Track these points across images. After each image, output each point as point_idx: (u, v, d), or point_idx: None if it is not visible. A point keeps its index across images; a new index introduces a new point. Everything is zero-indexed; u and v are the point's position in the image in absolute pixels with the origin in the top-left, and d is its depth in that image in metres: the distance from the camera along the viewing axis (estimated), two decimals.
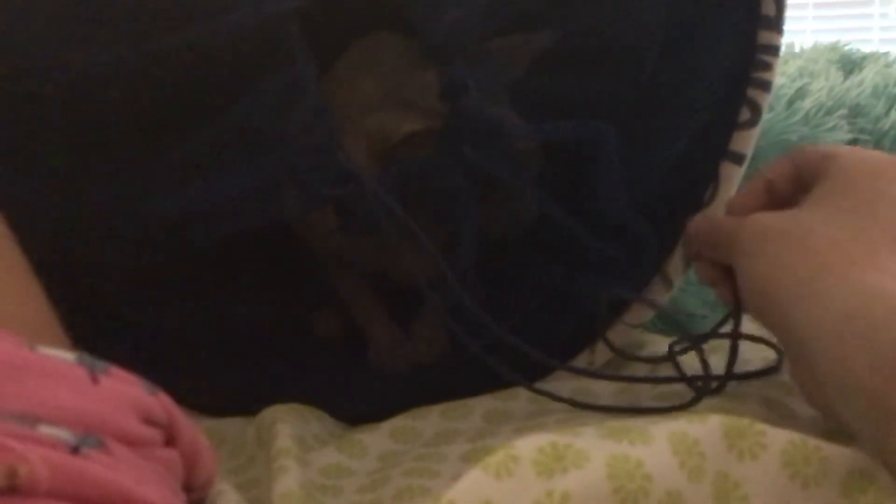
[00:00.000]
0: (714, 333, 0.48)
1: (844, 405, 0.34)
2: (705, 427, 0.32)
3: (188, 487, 0.34)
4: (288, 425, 0.46)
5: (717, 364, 0.46)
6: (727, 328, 0.47)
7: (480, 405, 0.51)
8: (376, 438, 0.47)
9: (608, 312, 0.52)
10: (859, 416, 0.33)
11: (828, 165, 0.41)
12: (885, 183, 0.38)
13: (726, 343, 0.47)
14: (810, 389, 0.39)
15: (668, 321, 0.59)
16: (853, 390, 0.33)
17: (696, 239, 0.47)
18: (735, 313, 0.45)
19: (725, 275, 0.45)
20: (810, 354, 0.36)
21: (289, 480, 0.40)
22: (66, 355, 0.28)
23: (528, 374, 0.50)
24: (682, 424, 0.32)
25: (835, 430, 0.36)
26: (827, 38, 0.82)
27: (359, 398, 0.53)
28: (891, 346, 0.32)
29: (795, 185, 0.44)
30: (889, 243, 0.36)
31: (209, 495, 0.36)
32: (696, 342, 0.47)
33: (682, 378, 0.47)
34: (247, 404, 0.50)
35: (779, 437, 0.32)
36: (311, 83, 0.48)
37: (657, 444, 0.31)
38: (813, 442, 0.32)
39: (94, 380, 0.28)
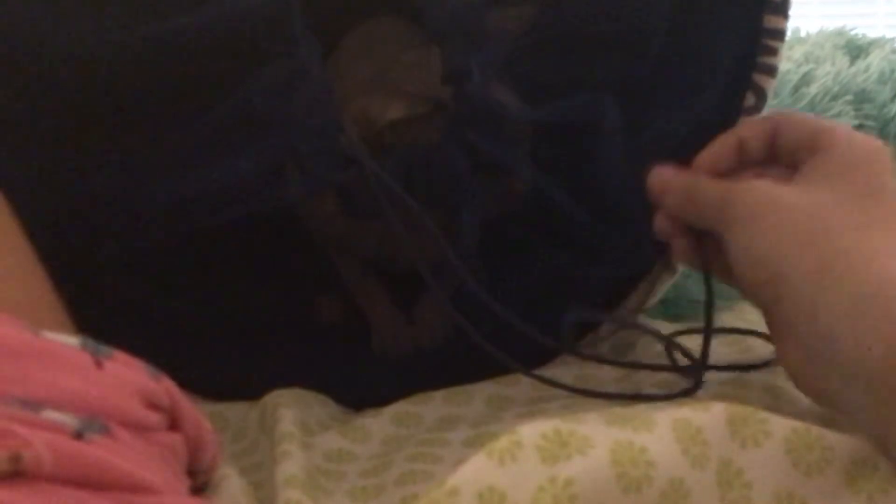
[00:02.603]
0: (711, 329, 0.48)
1: (851, 390, 0.34)
2: (709, 414, 0.32)
3: (192, 471, 0.34)
4: (291, 410, 0.46)
5: (720, 350, 0.46)
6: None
7: (483, 390, 0.51)
8: (379, 423, 0.48)
9: (610, 298, 0.52)
10: (867, 401, 0.33)
11: (823, 142, 0.40)
12: (880, 170, 0.38)
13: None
14: (805, 372, 0.38)
15: (671, 306, 0.59)
16: (865, 376, 0.32)
17: (664, 195, 0.44)
18: (707, 282, 0.44)
19: (691, 236, 0.44)
20: (818, 336, 0.35)
21: (292, 465, 0.40)
22: (71, 340, 0.28)
23: (531, 360, 0.50)
24: (685, 412, 0.32)
25: (838, 419, 0.36)
26: (833, 23, 0.82)
27: (361, 383, 0.53)
28: None
29: (770, 150, 0.43)
30: None
31: (213, 479, 0.37)
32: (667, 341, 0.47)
33: (678, 368, 0.47)
34: (250, 389, 0.50)
35: (782, 425, 0.32)
36: (314, 67, 0.48)
37: (660, 431, 0.31)
38: (816, 430, 0.32)
39: (98, 364, 0.28)
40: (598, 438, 0.31)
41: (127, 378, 0.29)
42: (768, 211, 0.38)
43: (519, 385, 0.51)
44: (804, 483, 0.31)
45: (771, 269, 0.38)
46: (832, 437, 0.32)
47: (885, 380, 0.31)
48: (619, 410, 0.35)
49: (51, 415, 0.26)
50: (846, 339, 0.33)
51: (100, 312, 0.47)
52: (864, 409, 0.33)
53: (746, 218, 0.39)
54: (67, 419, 0.26)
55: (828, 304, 0.35)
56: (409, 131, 0.49)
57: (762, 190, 0.39)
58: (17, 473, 0.24)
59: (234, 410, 0.50)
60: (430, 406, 0.50)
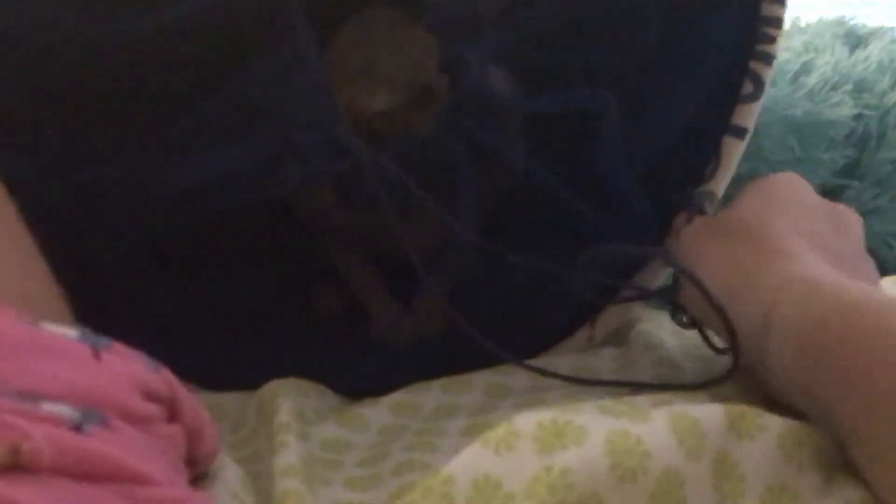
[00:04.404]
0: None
1: (789, 398, 0.35)
2: (706, 408, 0.33)
3: (191, 462, 0.34)
4: (288, 400, 0.46)
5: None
6: None
7: (480, 379, 0.51)
8: (376, 413, 0.48)
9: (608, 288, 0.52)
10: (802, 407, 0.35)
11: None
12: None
13: None
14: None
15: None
16: (788, 383, 0.35)
17: None
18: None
19: None
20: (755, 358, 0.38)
21: (290, 455, 0.40)
22: (69, 331, 0.29)
23: (528, 349, 0.51)
24: (682, 406, 0.33)
25: None
26: (833, 12, 0.81)
27: (360, 373, 0.53)
28: (809, 335, 0.34)
29: None
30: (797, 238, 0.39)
31: (211, 469, 0.37)
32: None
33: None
34: (248, 379, 0.50)
35: (777, 421, 0.32)
36: (311, 57, 0.48)
37: (657, 422, 0.32)
38: (810, 428, 0.32)
39: (97, 356, 0.28)
40: (593, 428, 0.31)
41: (125, 369, 0.29)
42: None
43: (517, 374, 0.51)
44: (797, 477, 0.31)
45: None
46: (825, 435, 0.32)
47: (800, 386, 0.34)
48: (615, 401, 0.35)
49: (50, 407, 0.26)
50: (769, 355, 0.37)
51: (98, 303, 0.47)
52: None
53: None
54: (66, 411, 0.26)
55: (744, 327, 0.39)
56: (397, 119, 0.49)
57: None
58: (17, 466, 0.24)
59: (232, 400, 0.50)
60: (428, 395, 0.50)
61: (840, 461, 0.32)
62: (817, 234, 0.40)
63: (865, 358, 0.31)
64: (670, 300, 0.46)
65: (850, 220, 0.43)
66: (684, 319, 0.46)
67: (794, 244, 0.38)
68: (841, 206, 0.44)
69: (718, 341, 0.45)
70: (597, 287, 0.47)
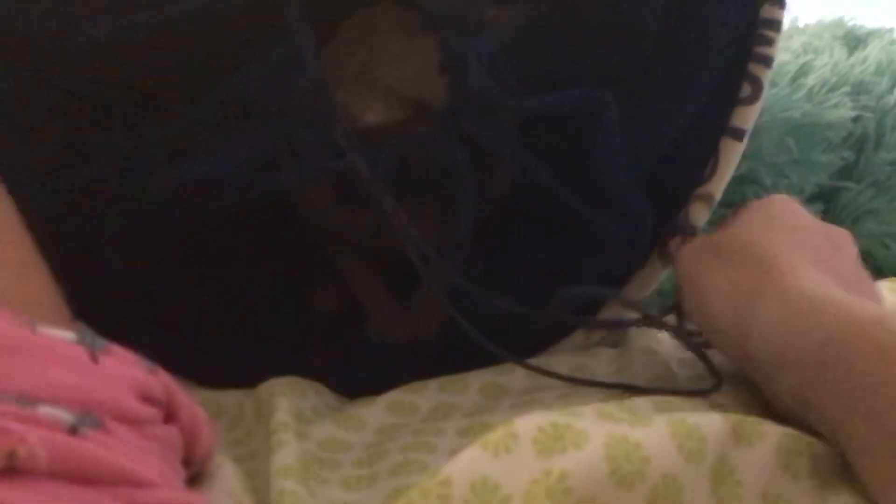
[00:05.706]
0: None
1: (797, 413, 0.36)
2: (707, 415, 0.33)
3: (188, 462, 0.34)
4: (286, 399, 0.46)
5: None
6: None
7: (478, 379, 0.51)
8: (374, 412, 0.48)
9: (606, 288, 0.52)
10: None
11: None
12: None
13: None
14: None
15: (667, 296, 0.59)
16: (795, 399, 0.35)
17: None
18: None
19: None
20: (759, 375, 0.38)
21: (287, 454, 0.40)
22: (66, 335, 0.28)
23: (527, 348, 0.51)
24: (682, 412, 0.33)
25: None
26: (832, 13, 0.81)
27: (357, 371, 0.53)
28: (817, 353, 0.34)
29: None
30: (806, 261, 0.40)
31: (208, 469, 0.37)
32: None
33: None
34: (246, 377, 0.50)
35: (775, 430, 0.32)
36: (310, 56, 0.48)
37: (657, 427, 0.32)
38: (807, 438, 0.32)
39: (94, 359, 0.28)
40: (593, 432, 0.31)
41: (122, 372, 0.29)
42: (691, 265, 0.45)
43: (514, 373, 0.51)
44: (792, 485, 0.31)
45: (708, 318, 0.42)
46: (822, 446, 0.32)
47: (811, 406, 0.34)
48: (615, 404, 0.35)
49: (46, 410, 0.26)
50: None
51: (97, 300, 0.47)
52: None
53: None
54: (63, 414, 0.26)
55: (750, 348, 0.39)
56: (390, 131, 0.49)
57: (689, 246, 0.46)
58: (13, 470, 0.24)
59: (230, 398, 0.50)
60: (425, 395, 0.50)
61: (835, 470, 0.32)
62: (819, 254, 0.40)
63: (871, 374, 0.31)
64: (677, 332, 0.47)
65: (845, 240, 0.43)
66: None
67: (799, 264, 0.38)
68: (835, 227, 0.44)
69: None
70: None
